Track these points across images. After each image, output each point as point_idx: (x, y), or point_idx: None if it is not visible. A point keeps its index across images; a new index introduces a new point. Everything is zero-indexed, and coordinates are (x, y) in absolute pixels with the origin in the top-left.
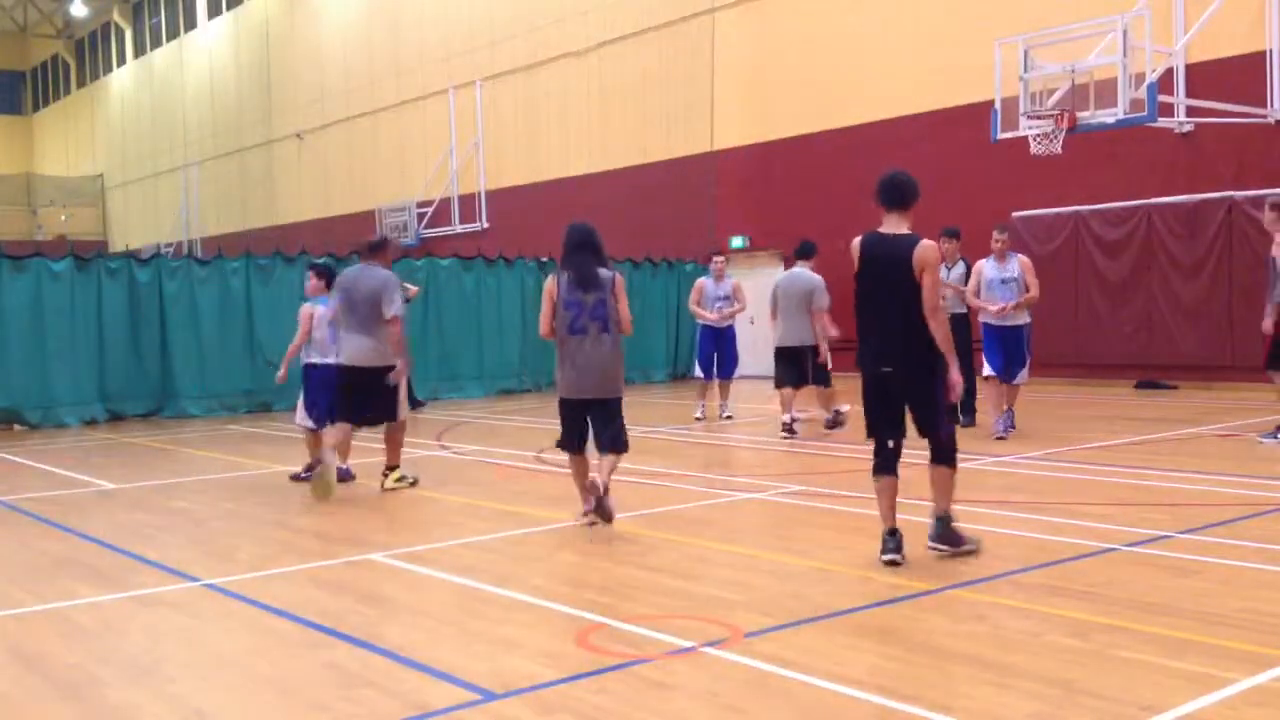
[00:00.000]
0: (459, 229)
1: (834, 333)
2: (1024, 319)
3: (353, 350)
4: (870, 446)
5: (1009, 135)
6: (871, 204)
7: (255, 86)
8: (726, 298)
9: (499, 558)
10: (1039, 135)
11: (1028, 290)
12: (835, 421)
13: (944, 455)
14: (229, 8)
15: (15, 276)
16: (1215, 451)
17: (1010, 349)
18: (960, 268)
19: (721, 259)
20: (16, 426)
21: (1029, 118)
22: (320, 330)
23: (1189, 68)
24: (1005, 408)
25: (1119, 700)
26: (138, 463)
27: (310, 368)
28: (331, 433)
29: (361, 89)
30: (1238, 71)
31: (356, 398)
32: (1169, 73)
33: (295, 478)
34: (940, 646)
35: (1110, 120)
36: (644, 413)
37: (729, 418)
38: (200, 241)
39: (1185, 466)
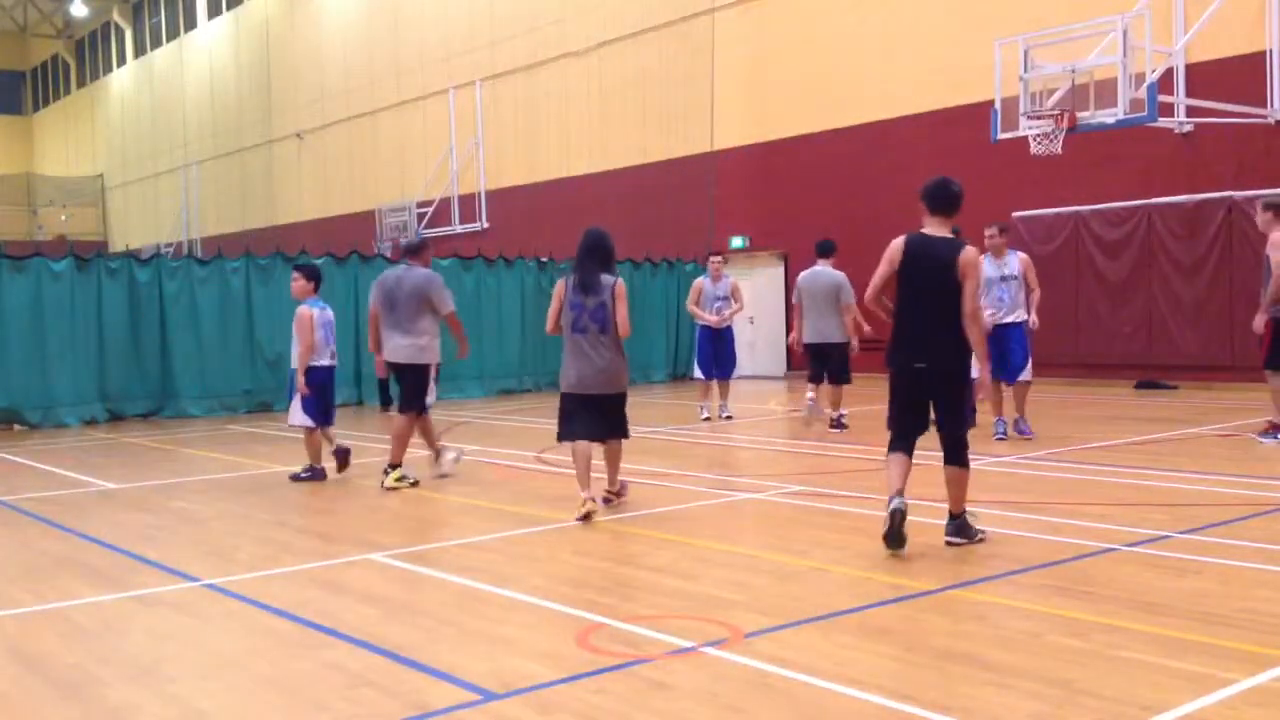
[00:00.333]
0: (459, 229)
1: (867, 329)
2: (1021, 316)
3: (394, 348)
4: (877, 449)
5: (1009, 135)
6: (872, 203)
7: (255, 86)
8: (725, 298)
9: (499, 558)
10: (1039, 135)
11: (1029, 289)
12: (838, 423)
13: (960, 456)
14: (229, 8)
15: (15, 276)
16: (1215, 451)
17: (1004, 347)
18: None
19: (718, 259)
20: (16, 426)
21: (1029, 118)
22: (318, 331)
23: (1189, 68)
24: (1017, 415)
25: (1119, 700)
26: (138, 463)
27: (311, 370)
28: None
29: (361, 89)
30: (1238, 71)
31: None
32: (1169, 73)
33: (295, 478)
34: (940, 646)
35: (1110, 120)
36: (644, 413)
37: (729, 418)
38: (200, 241)
39: (1185, 466)
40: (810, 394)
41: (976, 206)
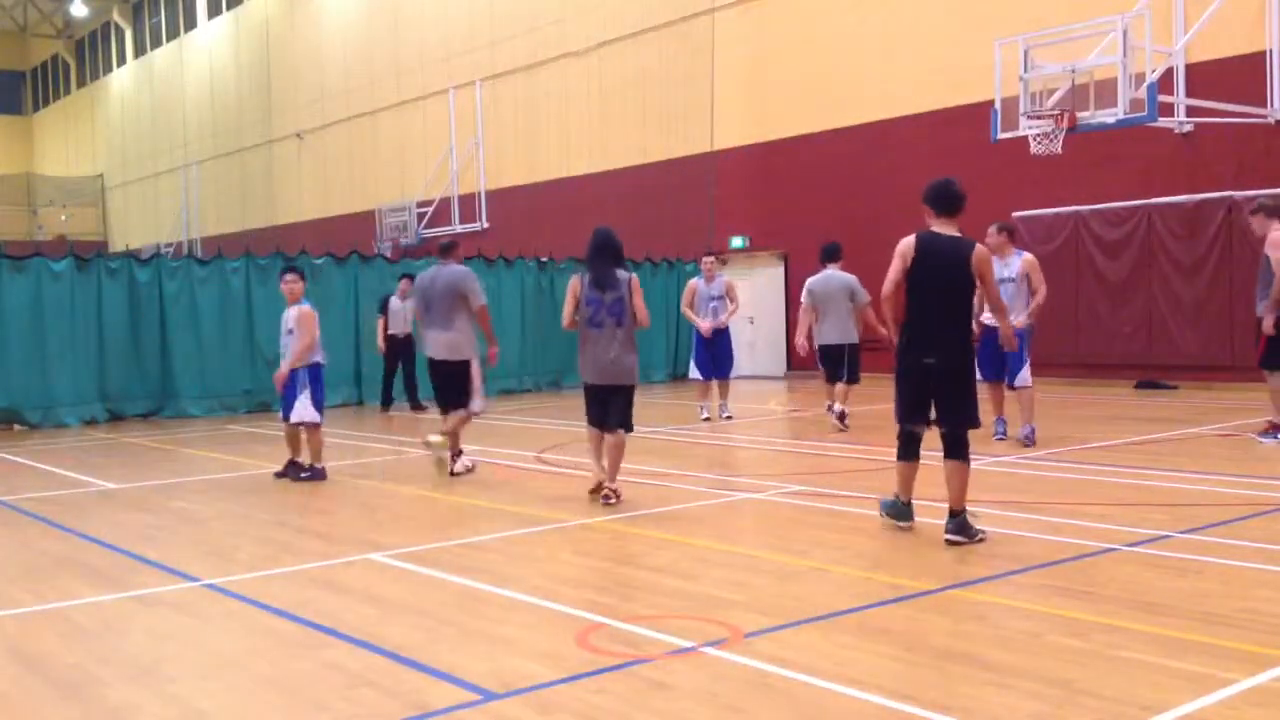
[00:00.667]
0: (459, 229)
1: (883, 331)
2: (1019, 318)
3: (434, 344)
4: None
5: (1009, 135)
6: (872, 203)
7: (255, 86)
8: (720, 297)
9: (499, 558)
10: (1039, 135)
11: (1032, 290)
12: (840, 420)
13: (960, 451)
14: (229, 8)
15: (15, 276)
16: (1215, 451)
17: (1000, 349)
18: None
19: (711, 259)
20: (16, 426)
21: (1029, 118)
22: (317, 330)
23: (1189, 68)
24: (1024, 420)
25: (1119, 700)
26: (138, 463)
27: (318, 366)
28: (449, 420)
29: (361, 89)
30: (1238, 71)
31: (449, 387)
32: (1169, 73)
33: (299, 477)
34: (940, 646)
35: (1110, 120)
36: (644, 413)
37: (729, 418)
38: (200, 241)
39: (1185, 466)
40: (837, 406)
41: (977, 206)
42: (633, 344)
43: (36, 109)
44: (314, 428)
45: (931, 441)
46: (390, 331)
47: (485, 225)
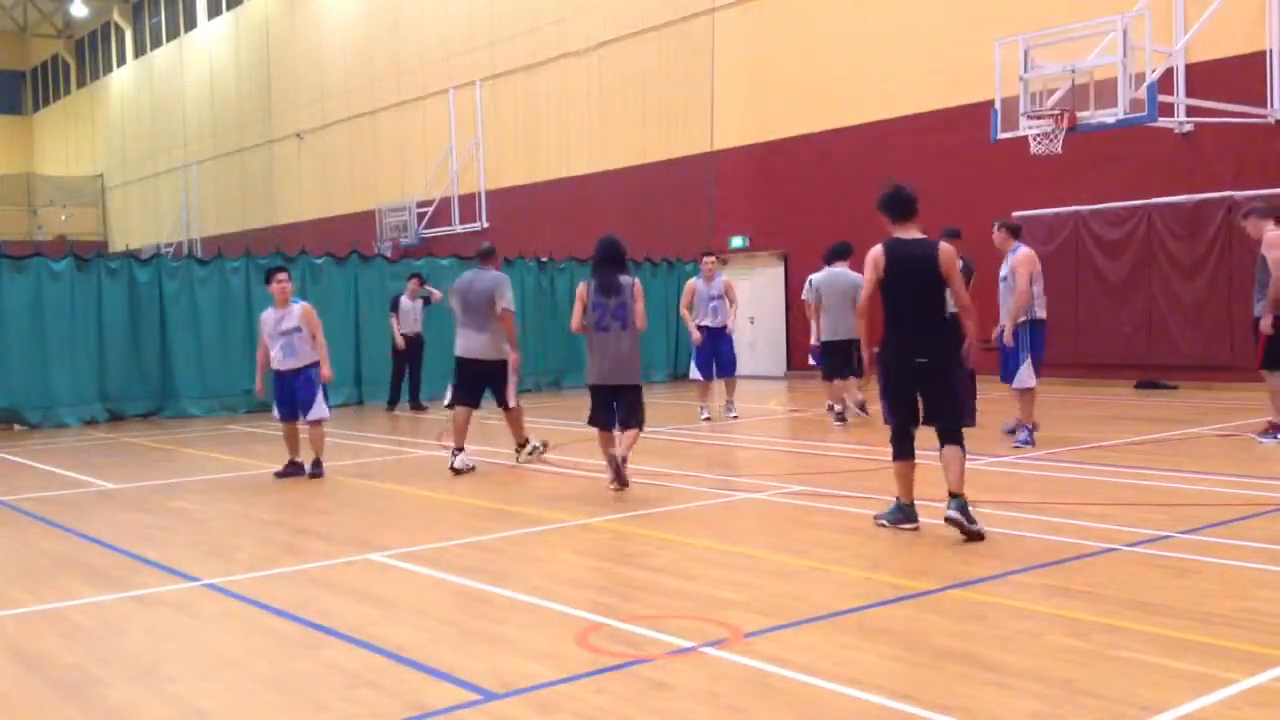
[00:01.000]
0: (459, 229)
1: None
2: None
3: (469, 344)
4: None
5: (1009, 135)
6: (872, 203)
7: (255, 86)
8: (719, 297)
9: (499, 558)
10: (1039, 135)
11: (1011, 288)
12: (841, 417)
13: (956, 436)
14: (229, 8)
15: (15, 276)
16: (1215, 451)
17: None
18: (960, 267)
19: (710, 259)
20: (16, 426)
21: (1029, 118)
22: None
23: (1189, 68)
24: (1021, 420)
25: (1119, 700)
26: (138, 463)
27: (317, 364)
28: (458, 415)
29: (361, 89)
30: (1238, 71)
31: (475, 385)
32: (1169, 73)
33: (312, 474)
34: (940, 646)
35: (1110, 120)
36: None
37: (735, 417)
38: (200, 241)
39: (1185, 466)
40: (837, 406)
41: (977, 206)
42: (636, 345)
43: (36, 109)
44: (318, 424)
45: (925, 440)
46: (400, 331)
47: (485, 225)
